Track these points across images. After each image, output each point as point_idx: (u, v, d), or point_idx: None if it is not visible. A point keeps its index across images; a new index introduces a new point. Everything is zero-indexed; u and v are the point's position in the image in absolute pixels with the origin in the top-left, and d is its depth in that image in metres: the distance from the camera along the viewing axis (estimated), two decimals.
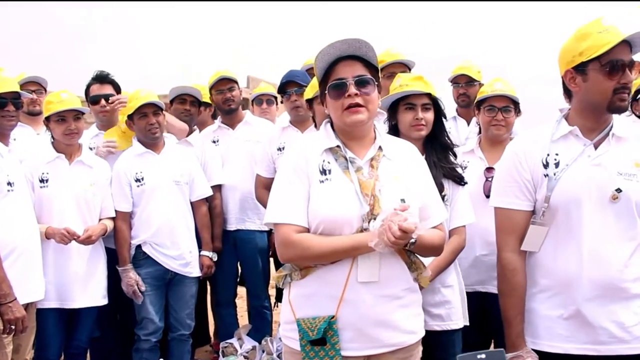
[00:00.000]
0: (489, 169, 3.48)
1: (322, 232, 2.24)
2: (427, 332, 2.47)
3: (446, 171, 3.02)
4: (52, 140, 3.90)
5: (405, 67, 4.44)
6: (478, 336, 3.38)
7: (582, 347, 2.34)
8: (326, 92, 2.32)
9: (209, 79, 4.87)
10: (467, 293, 3.22)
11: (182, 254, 4.09)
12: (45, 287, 3.51)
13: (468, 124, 4.85)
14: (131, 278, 3.98)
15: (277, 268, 4.98)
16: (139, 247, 4.05)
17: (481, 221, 3.13)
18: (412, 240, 2.16)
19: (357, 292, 2.23)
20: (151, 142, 4.09)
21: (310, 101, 3.85)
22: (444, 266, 2.95)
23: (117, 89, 4.42)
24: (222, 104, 4.78)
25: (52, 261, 3.66)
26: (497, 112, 3.54)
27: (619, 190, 2.30)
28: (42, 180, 3.74)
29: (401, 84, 3.12)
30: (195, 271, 4.19)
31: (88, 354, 4.21)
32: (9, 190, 3.26)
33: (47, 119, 3.84)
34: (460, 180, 3.06)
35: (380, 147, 2.36)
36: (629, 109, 4.08)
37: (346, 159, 2.31)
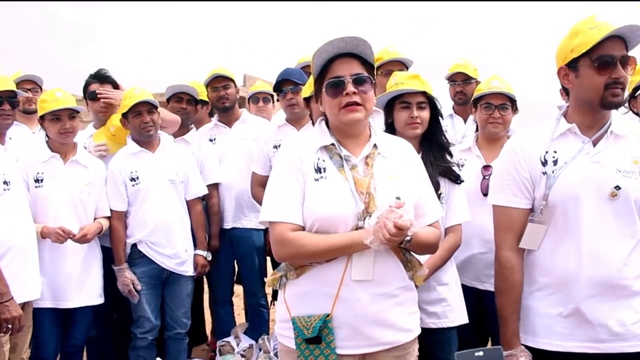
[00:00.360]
0: (486, 167, 3.48)
1: (317, 231, 2.24)
2: (422, 330, 2.47)
3: (442, 170, 3.02)
4: (47, 139, 3.88)
5: (402, 65, 4.44)
6: (475, 334, 3.39)
7: (582, 345, 2.34)
8: (323, 89, 2.31)
9: (205, 77, 4.87)
10: (465, 289, 3.22)
11: (178, 252, 4.08)
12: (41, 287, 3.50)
13: (465, 121, 4.85)
14: (127, 277, 3.97)
15: (273, 266, 5.00)
16: (134, 245, 4.04)
17: (478, 219, 3.13)
18: (408, 238, 2.16)
19: (352, 290, 2.22)
20: (146, 140, 4.08)
21: (307, 99, 3.85)
22: (440, 264, 2.95)
23: (117, 89, 4.40)
24: (216, 101, 4.78)
25: (47, 261, 3.64)
26: (494, 109, 3.54)
27: (617, 188, 2.29)
28: (37, 180, 3.73)
29: (397, 82, 3.12)
30: (191, 270, 4.18)
31: (85, 353, 4.20)
32: (5, 190, 3.25)
33: (42, 117, 3.82)
34: (456, 179, 3.06)
35: (375, 145, 2.36)
36: (627, 106, 4.09)
37: (341, 157, 2.30)
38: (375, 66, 2.80)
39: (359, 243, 2.16)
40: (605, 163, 2.33)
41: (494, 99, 3.55)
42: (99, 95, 4.27)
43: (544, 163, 2.41)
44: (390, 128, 3.09)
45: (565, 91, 2.48)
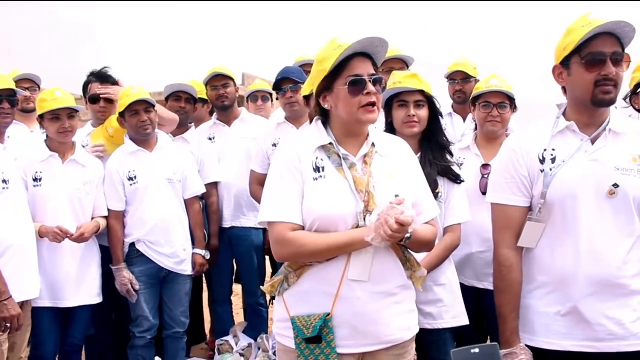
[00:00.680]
0: (485, 166, 3.48)
1: (318, 230, 2.24)
2: (419, 330, 2.46)
3: (441, 169, 3.01)
4: (46, 138, 3.88)
5: (403, 63, 4.45)
6: (474, 333, 3.38)
7: (580, 344, 2.33)
8: (335, 87, 2.27)
9: (204, 75, 4.87)
10: (464, 288, 3.21)
11: (176, 252, 4.07)
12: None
13: (464, 120, 4.85)
14: (125, 277, 3.97)
15: (272, 265, 5.00)
16: (132, 245, 4.03)
17: (477, 218, 3.13)
18: (408, 235, 2.16)
19: (352, 289, 2.22)
20: (143, 139, 4.07)
21: (307, 98, 3.84)
22: (436, 263, 2.94)
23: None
24: (216, 100, 4.78)
25: (46, 260, 3.64)
26: (492, 108, 3.53)
27: (616, 186, 2.29)
28: (35, 179, 3.73)
29: (395, 81, 3.12)
30: (189, 269, 4.18)
31: (83, 352, 4.20)
32: (4, 188, 3.25)
33: (41, 116, 3.81)
34: (456, 179, 3.06)
35: (373, 144, 2.36)
36: (629, 102, 4.09)
37: (339, 156, 2.30)
38: None
39: (360, 241, 2.16)
40: (604, 161, 2.33)
41: (492, 98, 3.55)
42: (98, 92, 4.26)
43: (542, 161, 2.40)
44: (390, 127, 3.09)
45: (565, 90, 2.49)
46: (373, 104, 2.24)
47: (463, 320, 3.06)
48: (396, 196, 2.16)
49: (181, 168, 4.17)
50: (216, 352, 4.47)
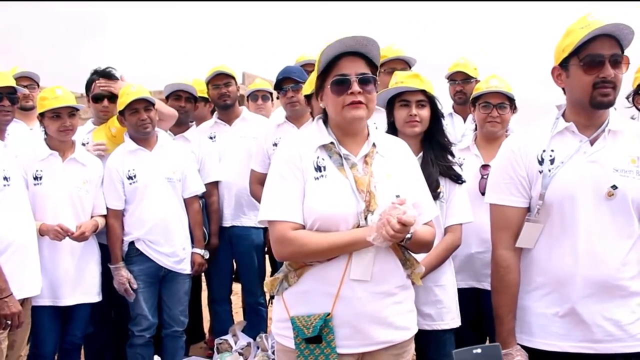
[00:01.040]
0: (485, 166, 3.48)
1: (319, 229, 2.24)
2: (418, 331, 2.47)
3: (443, 169, 3.02)
4: (45, 136, 3.88)
5: (405, 64, 4.45)
6: (473, 333, 3.39)
7: (578, 345, 2.34)
8: (326, 86, 2.30)
9: (206, 74, 4.87)
10: (462, 289, 3.22)
11: (176, 251, 4.07)
12: None
13: (464, 121, 4.86)
14: (123, 276, 3.97)
15: (272, 265, 5.00)
16: (131, 243, 4.03)
17: (477, 218, 3.13)
18: (408, 236, 2.17)
19: (352, 289, 2.23)
20: (143, 137, 4.07)
21: (308, 97, 3.85)
22: (436, 264, 2.94)
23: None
24: (217, 99, 4.78)
25: (46, 258, 3.64)
26: (492, 108, 3.54)
27: (614, 187, 2.29)
28: (35, 178, 3.73)
29: (397, 81, 3.13)
30: (188, 268, 4.18)
31: (82, 350, 4.21)
32: (5, 185, 3.25)
33: (42, 115, 3.82)
34: (457, 179, 3.06)
35: (374, 144, 2.36)
36: (631, 102, 4.08)
37: (340, 155, 2.30)
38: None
39: (362, 240, 2.17)
40: (603, 162, 2.33)
41: (492, 98, 3.55)
42: (100, 86, 4.26)
43: (541, 162, 2.41)
44: (392, 127, 3.10)
45: (564, 90, 2.49)
46: (358, 102, 2.25)
47: (458, 321, 3.07)
48: (397, 196, 2.17)
49: (181, 167, 4.17)
50: (215, 351, 4.47)
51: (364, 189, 2.25)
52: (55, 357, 4.01)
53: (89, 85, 4.36)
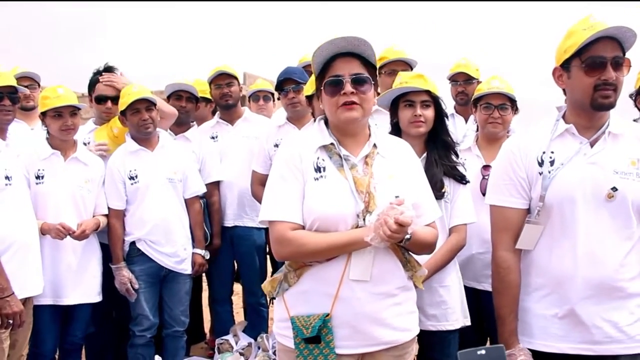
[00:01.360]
0: (486, 167, 3.48)
1: (318, 229, 2.25)
2: (422, 331, 2.47)
3: (447, 169, 3.02)
4: (47, 136, 3.88)
5: (407, 65, 4.46)
6: (474, 334, 3.39)
7: (577, 346, 2.34)
8: (322, 87, 2.31)
9: (208, 74, 4.88)
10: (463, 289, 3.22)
11: (177, 251, 4.08)
12: None
13: (466, 121, 4.86)
14: (124, 276, 3.97)
15: (273, 265, 5.00)
16: (133, 243, 4.04)
17: (478, 219, 3.12)
18: (407, 236, 2.16)
19: (352, 289, 2.23)
20: (144, 137, 4.07)
21: (309, 97, 3.86)
22: (441, 264, 2.94)
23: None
24: (219, 99, 4.79)
25: (47, 258, 3.64)
26: (493, 109, 3.54)
27: (614, 189, 2.29)
28: (37, 177, 3.74)
29: (401, 82, 3.14)
30: (189, 268, 4.18)
31: (83, 350, 4.21)
32: (6, 185, 3.25)
33: (44, 114, 3.82)
34: (461, 179, 3.06)
35: (374, 145, 2.37)
36: (633, 104, 4.08)
37: (340, 156, 2.31)
38: (379, 65, 2.80)
39: (360, 241, 2.17)
40: (603, 164, 2.33)
41: (493, 99, 3.56)
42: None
43: (541, 163, 2.41)
44: (396, 128, 3.11)
45: (565, 92, 2.49)
46: (351, 102, 2.25)
47: (466, 321, 3.07)
48: (396, 197, 2.17)
49: (182, 167, 4.17)
50: (216, 351, 4.47)
51: (363, 189, 2.25)
52: (56, 357, 4.01)
53: (91, 85, 4.36)
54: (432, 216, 2.43)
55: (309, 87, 3.85)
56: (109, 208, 3.99)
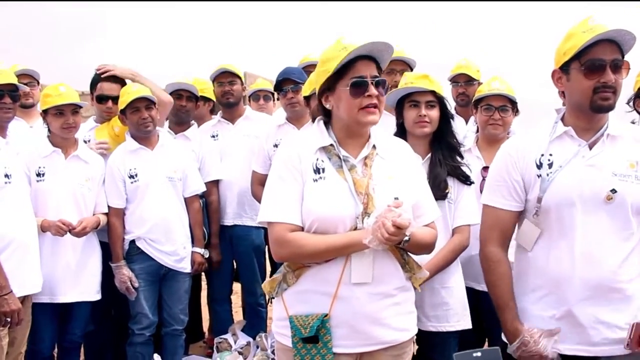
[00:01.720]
0: (486, 168, 3.47)
1: (316, 231, 2.25)
2: (422, 332, 2.47)
3: (451, 170, 3.02)
4: (48, 133, 3.88)
5: (406, 65, 4.46)
6: (473, 335, 3.39)
7: (574, 347, 2.34)
8: (339, 87, 2.28)
9: (211, 72, 4.88)
10: None
11: (177, 250, 4.08)
12: None
13: (467, 122, 4.86)
14: (124, 274, 3.97)
15: (272, 265, 5.00)
16: (132, 242, 4.04)
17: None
18: (406, 238, 2.17)
19: (350, 289, 2.23)
20: (144, 136, 4.08)
21: (307, 98, 3.86)
22: (443, 265, 2.94)
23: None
24: (221, 97, 4.79)
25: (47, 255, 3.64)
26: (494, 111, 3.55)
27: (613, 191, 2.29)
28: (38, 174, 3.74)
29: (406, 82, 3.15)
30: (189, 267, 4.19)
31: (82, 348, 4.21)
32: (6, 182, 3.25)
33: (45, 112, 3.82)
34: (465, 180, 3.06)
35: (374, 146, 2.37)
36: (632, 106, 4.08)
37: (340, 157, 2.31)
38: None
39: (358, 243, 2.17)
40: (601, 166, 2.33)
41: (494, 101, 3.56)
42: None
43: (539, 166, 2.41)
44: (401, 128, 3.11)
45: (563, 93, 2.50)
46: (374, 106, 2.25)
47: (467, 323, 3.07)
48: (395, 198, 2.18)
49: (182, 166, 4.17)
50: (214, 350, 4.47)
51: (362, 191, 2.25)
52: (55, 355, 4.02)
53: (93, 84, 4.36)
54: (431, 216, 2.43)
55: (307, 88, 3.85)
56: (108, 206, 3.99)
